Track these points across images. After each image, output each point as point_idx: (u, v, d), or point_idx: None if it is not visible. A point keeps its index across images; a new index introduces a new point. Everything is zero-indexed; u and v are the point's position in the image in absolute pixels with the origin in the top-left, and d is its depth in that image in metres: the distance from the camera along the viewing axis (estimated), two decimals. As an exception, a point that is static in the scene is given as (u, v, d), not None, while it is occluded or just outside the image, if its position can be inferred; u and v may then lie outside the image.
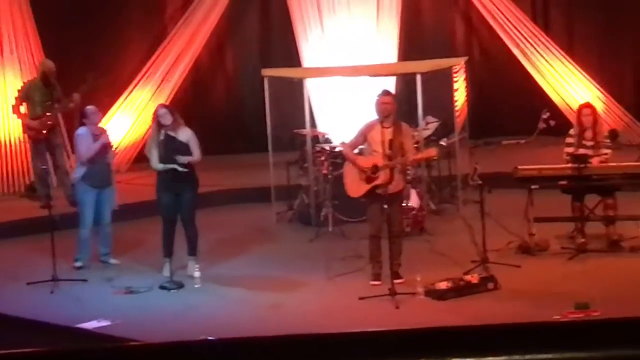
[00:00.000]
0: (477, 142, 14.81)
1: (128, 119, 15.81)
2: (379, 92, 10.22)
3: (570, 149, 11.09)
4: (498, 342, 2.60)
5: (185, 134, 10.50)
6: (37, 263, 11.08)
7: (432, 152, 10.60)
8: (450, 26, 17.31)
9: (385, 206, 9.66)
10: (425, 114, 12.81)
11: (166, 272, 10.40)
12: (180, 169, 10.32)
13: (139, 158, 15.00)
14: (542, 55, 16.00)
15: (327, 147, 12.83)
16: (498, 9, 16.09)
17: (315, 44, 15.50)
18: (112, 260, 11.26)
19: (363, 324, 8.70)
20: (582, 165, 10.65)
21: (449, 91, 13.27)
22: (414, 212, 11.87)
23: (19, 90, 13.80)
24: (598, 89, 15.89)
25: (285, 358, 2.62)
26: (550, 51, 16.01)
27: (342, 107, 14.73)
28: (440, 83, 13.08)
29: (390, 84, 13.86)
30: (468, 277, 9.78)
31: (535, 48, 16.02)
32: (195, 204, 10.69)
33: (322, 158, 12.61)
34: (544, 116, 16.33)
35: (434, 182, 13.16)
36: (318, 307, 9.62)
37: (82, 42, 15.71)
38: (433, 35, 17.03)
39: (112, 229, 11.26)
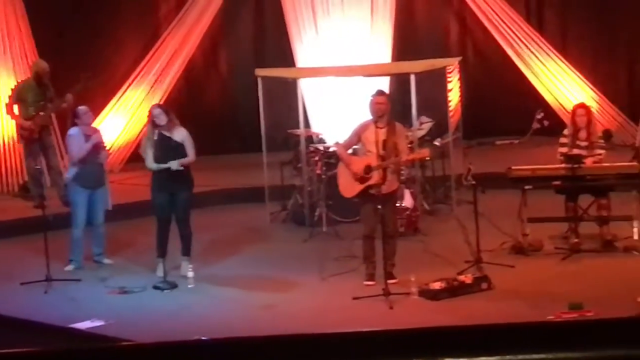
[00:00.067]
0: (471, 142, 14.79)
1: (122, 119, 15.79)
2: (373, 92, 10.22)
3: (564, 149, 11.09)
4: (492, 342, 2.60)
5: (180, 134, 10.47)
6: (30, 263, 11.06)
7: (425, 152, 10.61)
8: (444, 26, 17.30)
9: (379, 207, 9.66)
10: (419, 114, 12.80)
11: (160, 272, 10.40)
12: (175, 167, 10.32)
13: (133, 158, 15.01)
14: (536, 56, 16.01)
15: (321, 147, 12.83)
16: (492, 9, 16.09)
17: (310, 44, 15.49)
18: (106, 261, 11.26)
19: (357, 324, 8.69)
20: (575, 166, 10.65)
21: (443, 91, 13.29)
22: (407, 212, 11.86)
23: (12, 90, 13.78)
24: (592, 89, 15.90)
25: (278, 358, 2.62)
26: (544, 51, 16.02)
27: (336, 107, 14.73)
28: (434, 83, 13.09)
29: (384, 84, 13.85)
30: (462, 278, 9.79)
31: (529, 48, 16.02)
32: (191, 204, 10.69)
33: (316, 158, 12.60)
34: (538, 116, 16.31)
35: (427, 183, 13.15)
36: (312, 307, 9.61)
37: (75, 43, 15.70)
38: (427, 36, 17.02)
39: (105, 229, 11.25)
